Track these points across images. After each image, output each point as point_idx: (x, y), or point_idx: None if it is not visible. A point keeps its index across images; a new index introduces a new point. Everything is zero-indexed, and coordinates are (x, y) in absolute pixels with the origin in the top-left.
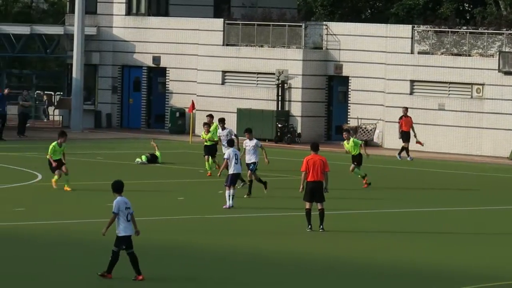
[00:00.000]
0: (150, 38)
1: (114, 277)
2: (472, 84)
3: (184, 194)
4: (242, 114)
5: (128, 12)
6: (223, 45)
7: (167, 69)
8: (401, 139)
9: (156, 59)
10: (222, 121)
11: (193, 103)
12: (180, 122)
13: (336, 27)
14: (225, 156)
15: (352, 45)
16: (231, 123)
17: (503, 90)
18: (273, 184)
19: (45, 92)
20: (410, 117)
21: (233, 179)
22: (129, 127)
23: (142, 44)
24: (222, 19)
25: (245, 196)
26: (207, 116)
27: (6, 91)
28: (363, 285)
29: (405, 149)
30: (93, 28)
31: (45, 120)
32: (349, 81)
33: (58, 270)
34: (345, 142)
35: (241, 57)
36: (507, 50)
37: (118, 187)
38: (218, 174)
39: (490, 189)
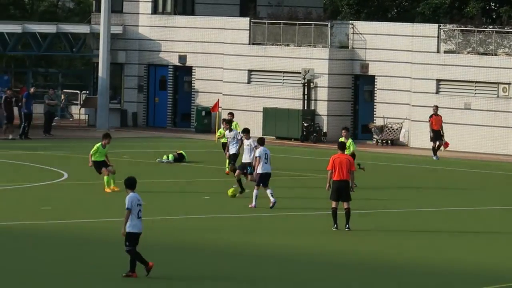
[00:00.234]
0: (176, 37)
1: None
2: (498, 83)
3: (210, 193)
4: (268, 113)
5: (154, 11)
6: (249, 44)
7: (193, 68)
8: (433, 138)
9: (182, 58)
10: (229, 122)
11: (217, 103)
12: (206, 121)
13: (362, 26)
14: (257, 154)
15: (378, 44)
16: (257, 122)
17: None
18: (299, 183)
19: (64, 90)
20: (440, 116)
21: (263, 179)
22: (155, 126)
23: (168, 43)
24: (248, 18)
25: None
26: (228, 114)
27: (32, 90)
28: (390, 283)
29: (433, 148)
30: (119, 27)
31: (71, 120)
32: (375, 80)
33: (83, 269)
34: (343, 139)
35: (267, 56)
36: None
37: (131, 183)
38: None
39: None
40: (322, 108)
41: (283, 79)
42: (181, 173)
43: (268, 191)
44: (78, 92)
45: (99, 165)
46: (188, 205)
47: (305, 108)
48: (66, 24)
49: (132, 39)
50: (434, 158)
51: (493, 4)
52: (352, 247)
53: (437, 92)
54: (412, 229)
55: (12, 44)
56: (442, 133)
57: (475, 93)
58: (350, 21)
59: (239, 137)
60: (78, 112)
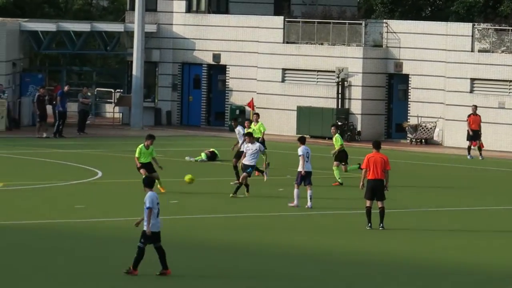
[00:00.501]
0: (210, 36)
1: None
2: None
3: (244, 192)
4: (302, 112)
5: (188, 10)
6: (283, 42)
7: (227, 66)
8: (470, 138)
9: (216, 57)
10: (235, 120)
11: (251, 101)
12: (240, 119)
13: (396, 25)
14: (299, 153)
15: (412, 43)
16: (291, 121)
17: None
18: (332, 182)
19: (97, 88)
20: (479, 116)
21: (304, 178)
22: (189, 124)
23: (202, 41)
24: (282, 17)
25: (230, 196)
26: (254, 114)
27: (66, 88)
28: (425, 283)
29: (468, 147)
30: (153, 26)
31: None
32: (409, 79)
33: (115, 268)
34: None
35: (301, 54)
36: None
37: (151, 182)
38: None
39: None
40: (356, 107)
41: (317, 78)
42: (213, 172)
43: (309, 193)
44: (112, 90)
45: (146, 167)
46: (221, 203)
47: (339, 107)
48: (100, 22)
49: (166, 38)
50: (469, 157)
51: None
52: (386, 246)
53: (471, 91)
54: (447, 229)
55: (46, 42)
56: (480, 133)
57: (510, 92)
58: (384, 20)
59: (243, 133)
60: (112, 110)
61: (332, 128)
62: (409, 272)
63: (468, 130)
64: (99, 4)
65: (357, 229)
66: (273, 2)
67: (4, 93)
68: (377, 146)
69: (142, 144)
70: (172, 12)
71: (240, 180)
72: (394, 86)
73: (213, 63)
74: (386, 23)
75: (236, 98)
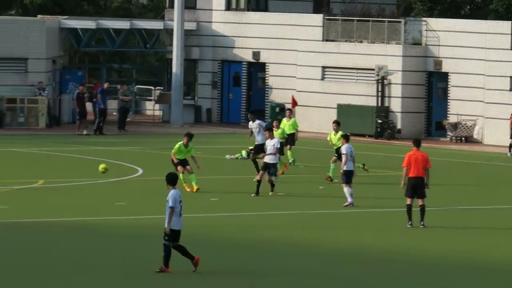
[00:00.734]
0: (250, 33)
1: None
2: None
3: (284, 189)
4: (342, 109)
5: (228, 7)
6: (322, 40)
7: (266, 64)
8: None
9: (256, 54)
10: (253, 113)
11: (293, 99)
12: (280, 117)
13: (435, 23)
14: (344, 152)
15: (452, 41)
16: (331, 119)
17: None
18: (373, 180)
19: (137, 86)
20: None
21: (349, 176)
22: (229, 122)
23: (242, 39)
24: (322, 15)
25: (252, 195)
26: (287, 110)
27: (105, 85)
28: (465, 280)
29: (510, 145)
30: (193, 23)
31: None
32: (449, 77)
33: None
34: (332, 133)
35: (341, 52)
36: None
37: (174, 180)
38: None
39: None
40: (396, 105)
41: (357, 76)
42: (251, 169)
43: (349, 191)
44: (152, 88)
45: (181, 163)
46: (261, 200)
47: (379, 104)
48: (139, 20)
49: (205, 35)
50: (509, 155)
51: None
52: (426, 244)
53: (511, 89)
54: (487, 227)
55: (86, 40)
56: None
57: None
58: (423, 18)
59: (264, 125)
60: (152, 108)
61: (334, 125)
62: (449, 269)
63: (511, 128)
64: (139, 2)
65: (398, 227)
66: (313, 0)
67: (44, 90)
68: (417, 144)
69: (182, 142)
70: (212, 9)
71: (259, 177)
72: (433, 84)
73: (252, 60)
74: (425, 21)
75: (276, 96)
